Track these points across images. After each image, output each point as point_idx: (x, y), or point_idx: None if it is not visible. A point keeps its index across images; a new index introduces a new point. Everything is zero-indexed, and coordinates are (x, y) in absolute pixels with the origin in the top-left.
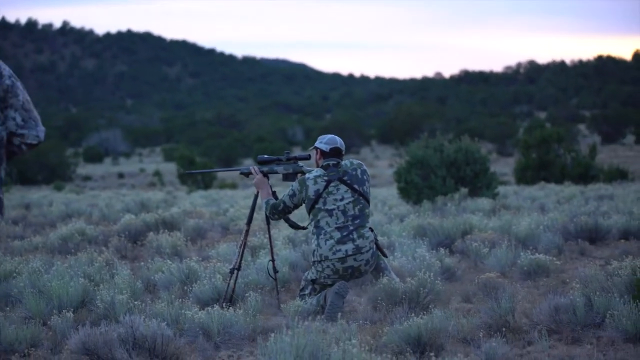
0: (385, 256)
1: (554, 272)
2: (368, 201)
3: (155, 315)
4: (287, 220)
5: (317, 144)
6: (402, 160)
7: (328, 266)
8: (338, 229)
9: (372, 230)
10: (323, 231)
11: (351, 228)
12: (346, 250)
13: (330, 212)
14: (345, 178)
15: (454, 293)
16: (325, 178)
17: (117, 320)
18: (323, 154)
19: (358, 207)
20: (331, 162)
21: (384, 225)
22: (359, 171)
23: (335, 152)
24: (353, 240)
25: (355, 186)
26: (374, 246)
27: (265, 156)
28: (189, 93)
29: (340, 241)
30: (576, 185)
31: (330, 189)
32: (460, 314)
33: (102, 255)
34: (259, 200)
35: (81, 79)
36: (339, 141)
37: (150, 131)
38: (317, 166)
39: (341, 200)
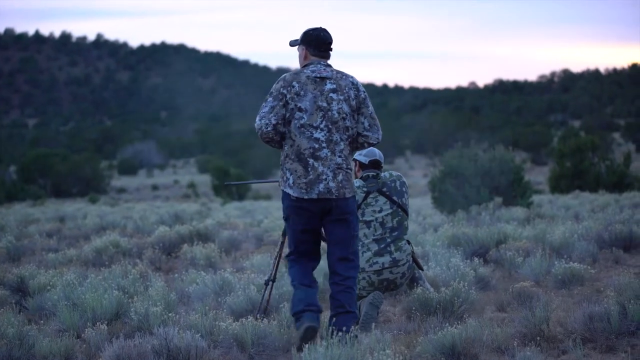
0: (421, 269)
1: (588, 281)
2: (407, 213)
3: (190, 327)
4: None
5: (355, 156)
6: (436, 169)
7: (364, 278)
8: (376, 241)
9: (409, 242)
10: (360, 243)
11: (389, 240)
12: (383, 263)
13: (368, 224)
14: (384, 190)
15: (488, 302)
16: (364, 189)
17: (151, 332)
18: (362, 166)
19: (396, 219)
20: (370, 174)
21: (418, 235)
22: (398, 183)
23: (374, 164)
24: (390, 253)
25: (394, 198)
26: (411, 259)
27: None
28: (224, 104)
29: (378, 253)
30: (611, 194)
31: (369, 200)
32: (495, 323)
33: (136, 267)
34: None
35: (115, 92)
36: (377, 153)
37: (184, 143)
38: (356, 178)
39: (380, 212)
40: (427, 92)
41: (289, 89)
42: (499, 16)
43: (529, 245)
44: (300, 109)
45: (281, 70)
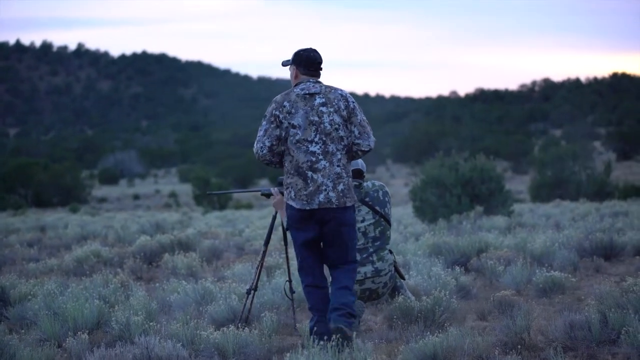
0: (403, 278)
1: (569, 289)
2: (389, 223)
3: (171, 336)
4: None
5: None
6: (417, 179)
7: None
8: (358, 250)
9: (391, 252)
10: None
11: (371, 250)
12: (365, 273)
13: None
14: (367, 199)
15: (469, 311)
16: None
17: (132, 342)
18: None
19: (379, 229)
20: (353, 183)
21: (399, 244)
22: (380, 193)
23: (356, 174)
24: (373, 263)
25: (377, 208)
26: (393, 268)
27: None
28: (205, 114)
29: (360, 263)
30: (591, 202)
31: None
32: (476, 331)
33: (117, 276)
34: (277, 221)
35: (96, 101)
36: (359, 163)
37: (165, 152)
38: None
39: (362, 221)
40: (409, 101)
41: (280, 109)
42: (480, 26)
43: (510, 254)
44: (293, 126)
45: (262, 80)
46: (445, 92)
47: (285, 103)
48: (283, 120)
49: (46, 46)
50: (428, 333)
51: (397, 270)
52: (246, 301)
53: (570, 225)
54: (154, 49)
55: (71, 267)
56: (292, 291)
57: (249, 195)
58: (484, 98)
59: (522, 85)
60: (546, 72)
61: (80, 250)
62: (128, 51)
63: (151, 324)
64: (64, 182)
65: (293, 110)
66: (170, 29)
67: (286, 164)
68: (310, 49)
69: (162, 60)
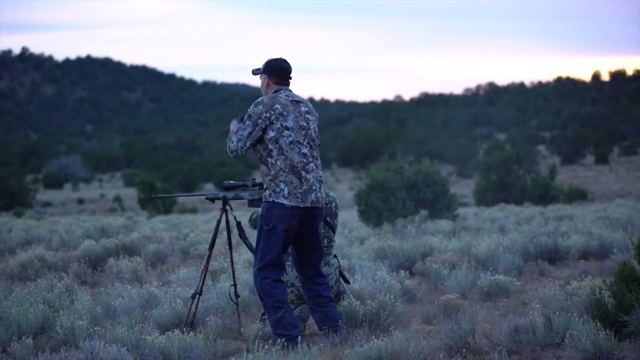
0: (348, 282)
1: (513, 293)
2: (334, 232)
3: (116, 341)
4: (245, 241)
5: None
6: (362, 183)
7: (292, 291)
8: None
9: (336, 257)
10: (290, 258)
11: None
12: None
13: None
14: None
15: (414, 315)
16: None
17: (77, 346)
18: None
19: (326, 238)
20: None
21: (344, 248)
22: (333, 205)
23: None
24: None
25: (328, 218)
26: (338, 273)
27: (231, 182)
28: (149, 118)
29: None
30: (536, 206)
31: None
32: (421, 335)
33: (62, 281)
34: (221, 225)
35: (41, 105)
36: None
37: (110, 156)
38: None
39: None
40: (353, 105)
41: (271, 112)
42: (424, 30)
43: (454, 258)
44: (287, 128)
45: (207, 84)
46: (390, 96)
47: (277, 105)
48: (275, 121)
49: None
50: (373, 337)
51: (341, 274)
52: (191, 305)
53: (514, 229)
54: (98, 53)
55: (15, 272)
56: (237, 295)
57: (193, 200)
58: (429, 102)
59: (467, 90)
60: (491, 76)
61: (25, 254)
62: (72, 55)
63: (96, 328)
64: (8, 187)
65: (285, 113)
66: (114, 33)
67: (279, 163)
68: (281, 59)
69: (107, 65)
